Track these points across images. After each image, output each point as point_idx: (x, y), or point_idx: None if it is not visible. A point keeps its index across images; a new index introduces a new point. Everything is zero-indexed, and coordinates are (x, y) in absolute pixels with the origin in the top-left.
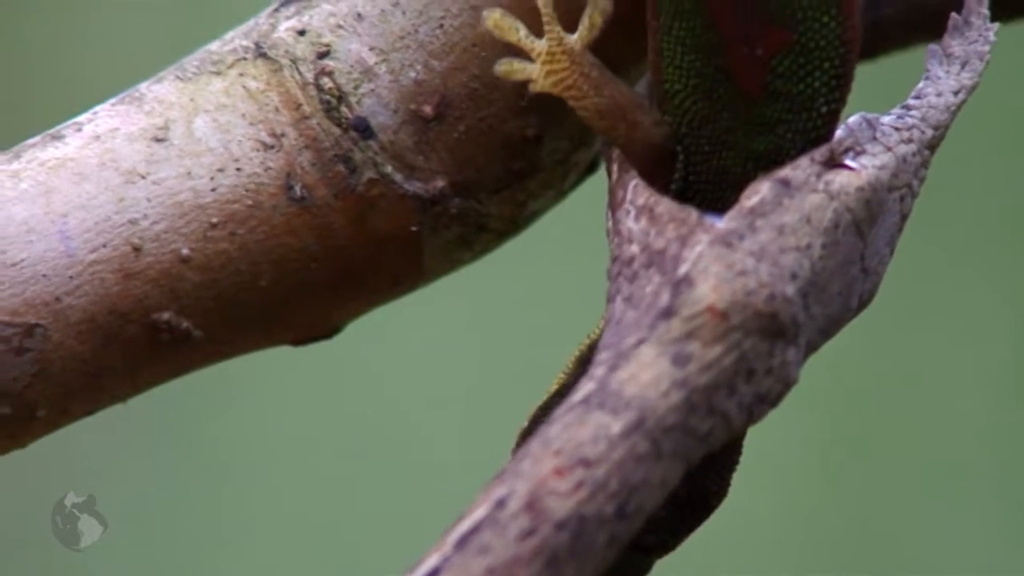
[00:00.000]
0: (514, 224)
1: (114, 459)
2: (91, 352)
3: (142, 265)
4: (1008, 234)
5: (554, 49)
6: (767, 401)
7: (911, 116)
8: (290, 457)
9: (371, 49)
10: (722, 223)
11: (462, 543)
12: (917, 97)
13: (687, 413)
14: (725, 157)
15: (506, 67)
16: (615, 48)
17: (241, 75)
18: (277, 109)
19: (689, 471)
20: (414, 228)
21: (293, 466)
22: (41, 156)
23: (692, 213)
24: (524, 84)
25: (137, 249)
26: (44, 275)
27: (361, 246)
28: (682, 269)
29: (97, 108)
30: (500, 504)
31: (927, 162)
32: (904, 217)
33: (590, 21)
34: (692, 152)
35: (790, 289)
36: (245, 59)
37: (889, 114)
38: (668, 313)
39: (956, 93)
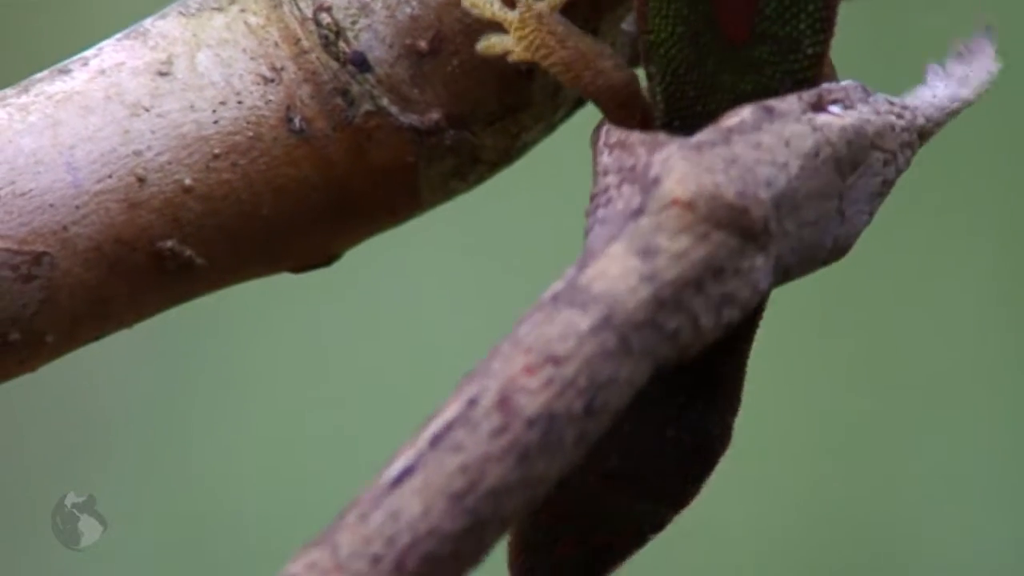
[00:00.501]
0: (507, 155)
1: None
2: (97, 280)
3: (146, 195)
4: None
5: (524, 15)
6: (735, 303)
7: (906, 102)
8: (290, 385)
9: None
10: (696, 136)
11: (436, 441)
12: (913, 96)
13: (655, 309)
14: (711, 101)
15: (485, 44)
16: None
17: (242, 11)
18: (277, 44)
19: (691, 417)
20: (410, 159)
21: (293, 396)
22: (49, 90)
23: (661, 134)
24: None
25: (141, 180)
26: (51, 205)
27: (359, 176)
28: (651, 172)
29: (103, 43)
30: (472, 403)
31: (914, 146)
32: (886, 183)
33: None
34: (677, 98)
35: (763, 192)
36: None
37: (885, 96)
38: (638, 213)
39: (952, 101)
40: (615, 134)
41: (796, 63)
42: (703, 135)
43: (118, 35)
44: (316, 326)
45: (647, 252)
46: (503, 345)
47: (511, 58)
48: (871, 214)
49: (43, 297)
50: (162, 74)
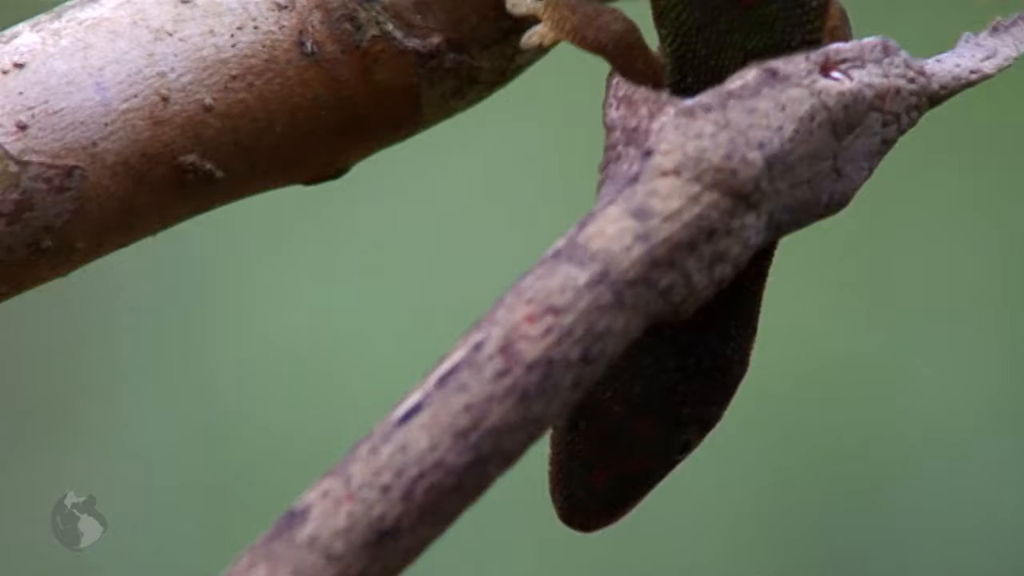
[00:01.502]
0: (502, 76)
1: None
2: (124, 191)
3: (169, 113)
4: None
5: (547, 2)
6: (727, 260)
7: (925, 64)
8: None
9: None
10: (695, 99)
11: (443, 382)
12: (937, 61)
13: (649, 267)
14: (722, 57)
15: (526, 37)
16: None
17: None
18: None
19: (710, 345)
20: (413, 80)
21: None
22: (79, 16)
23: (664, 94)
24: None
25: (165, 99)
26: (82, 122)
27: (366, 96)
28: (648, 142)
29: None
30: (477, 347)
31: (922, 108)
32: (886, 142)
33: None
34: (688, 58)
35: (753, 154)
36: None
37: (909, 56)
38: (634, 180)
39: (972, 72)
40: (623, 87)
41: (804, 16)
42: (703, 97)
43: None
44: (326, 239)
45: (641, 213)
46: (507, 295)
47: (545, 42)
48: (870, 170)
49: (74, 208)
50: (184, 1)
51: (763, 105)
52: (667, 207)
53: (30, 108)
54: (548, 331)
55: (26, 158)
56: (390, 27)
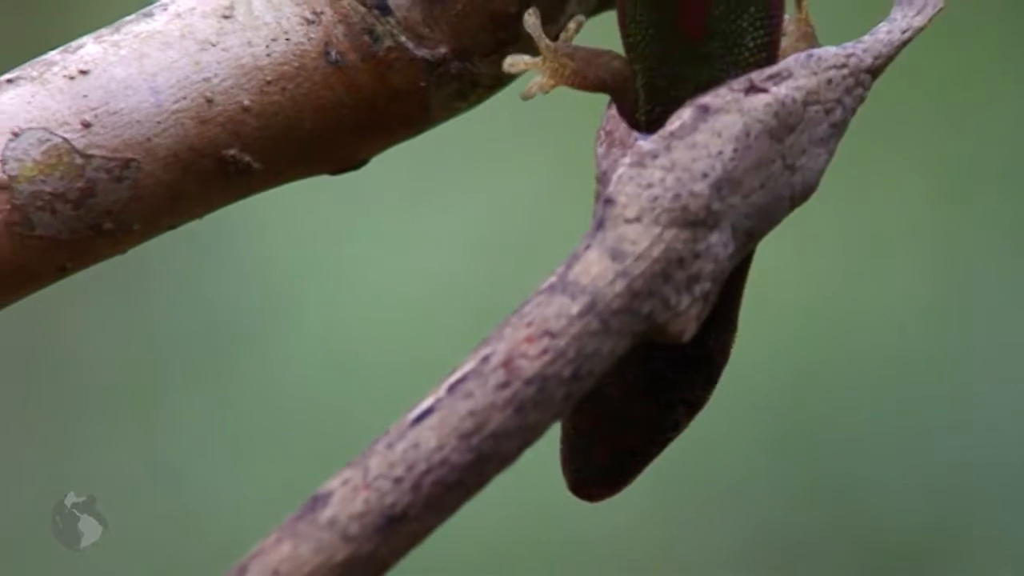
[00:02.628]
0: (499, 81)
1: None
2: (174, 180)
3: (213, 113)
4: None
5: (545, 56)
6: (703, 279)
7: (856, 46)
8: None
9: None
10: (645, 145)
11: (452, 389)
12: (872, 34)
13: (631, 298)
14: (678, 88)
15: (528, 88)
16: None
17: None
18: None
19: (697, 337)
20: (422, 84)
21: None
22: (135, 29)
23: (632, 136)
24: None
25: (209, 101)
26: (138, 121)
27: (382, 98)
28: (608, 191)
29: None
30: (484, 360)
31: (864, 83)
32: (835, 125)
33: (569, 34)
34: (653, 88)
35: (699, 186)
36: None
37: (841, 46)
38: (602, 225)
39: (904, 32)
40: (610, 122)
41: (740, 55)
42: (650, 144)
43: None
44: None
45: (617, 255)
46: (512, 318)
47: (545, 90)
48: (830, 152)
49: (131, 194)
50: (226, 17)
51: (701, 138)
52: (637, 249)
53: (93, 109)
54: (544, 351)
55: (90, 152)
56: (403, 39)
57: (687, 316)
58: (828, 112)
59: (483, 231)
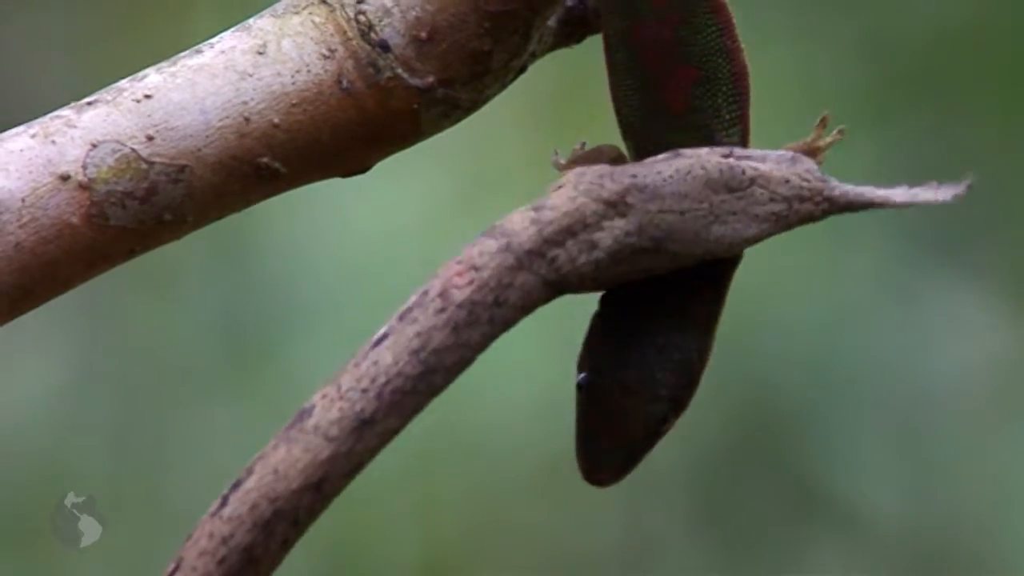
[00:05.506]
0: (475, 104)
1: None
2: (219, 181)
3: (250, 129)
4: None
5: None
6: (601, 248)
7: (838, 181)
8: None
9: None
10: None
11: (402, 317)
12: (860, 183)
13: (540, 241)
14: (655, 143)
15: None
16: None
17: (311, 14)
18: (332, 34)
19: (680, 345)
20: (415, 106)
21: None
22: (189, 63)
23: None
24: (484, 17)
25: (247, 119)
26: (191, 135)
27: (383, 117)
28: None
29: (223, 34)
30: (425, 293)
31: (818, 203)
32: (777, 216)
33: (575, 154)
34: (644, 154)
35: (623, 179)
36: (312, 4)
37: (827, 175)
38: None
39: (880, 196)
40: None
41: (718, 124)
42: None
43: (232, 29)
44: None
45: (539, 208)
46: (449, 261)
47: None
48: (761, 231)
49: (185, 193)
50: (260, 53)
51: (660, 165)
52: (555, 204)
53: (155, 125)
54: (471, 281)
55: (152, 159)
56: (400, 71)
57: (581, 271)
58: (772, 200)
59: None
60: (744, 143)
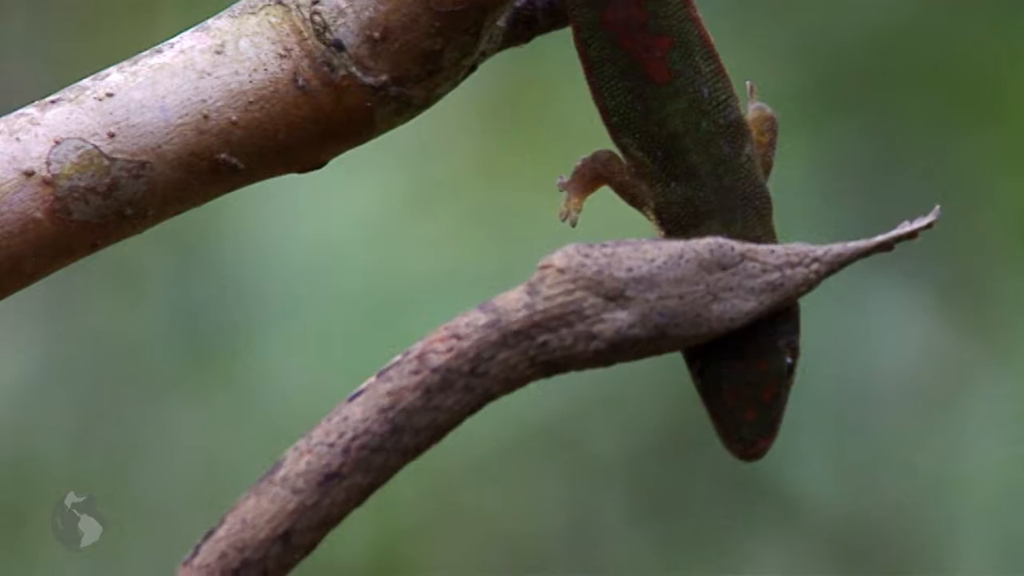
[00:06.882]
0: (427, 101)
1: None
2: (179, 177)
3: (209, 126)
4: None
5: (570, 196)
6: (601, 338)
7: (819, 246)
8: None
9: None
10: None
11: (380, 375)
12: (843, 243)
13: (530, 325)
14: (652, 123)
15: (568, 217)
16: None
17: (267, 14)
18: (288, 34)
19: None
20: (368, 104)
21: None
22: (149, 62)
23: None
24: (435, 16)
25: (206, 117)
26: (151, 132)
27: (338, 114)
28: (553, 256)
29: (182, 34)
30: (406, 354)
31: (808, 266)
32: (772, 285)
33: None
34: (647, 142)
35: (620, 272)
36: (269, 5)
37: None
38: (532, 280)
39: (860, 247)
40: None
41: (702, 80)
42: (609, 242)
43: (191, 29)
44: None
45: (531, 290)
46: (440, 326)
47: (577, 209)
48: (760, 303)
49: (146, 188)
50: (218, 53)
51: (646, 247)
52: (549, 292)
53: (117, 122)
54: (450, 349)
55: (114, 156)
56: (354, 69)
57: (579, 359)
58: (765, 271)
59: (486, 235)
60: (728, 90)
